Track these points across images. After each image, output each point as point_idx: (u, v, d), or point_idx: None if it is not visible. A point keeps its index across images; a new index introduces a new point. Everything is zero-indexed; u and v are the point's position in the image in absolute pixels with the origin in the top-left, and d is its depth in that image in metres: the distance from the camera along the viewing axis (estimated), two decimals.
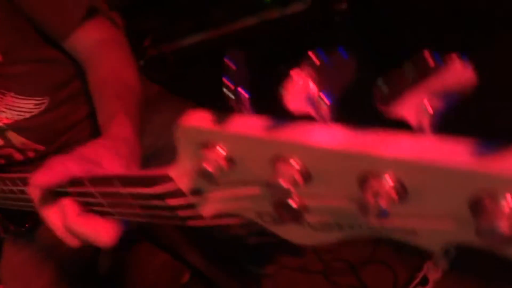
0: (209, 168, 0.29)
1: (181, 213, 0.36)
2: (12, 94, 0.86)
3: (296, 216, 0.28)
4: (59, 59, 0.88)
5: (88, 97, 0.95)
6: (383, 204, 0.23)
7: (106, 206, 0.44)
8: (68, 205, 0.45)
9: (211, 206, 0.34)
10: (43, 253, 0.99)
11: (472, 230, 0.21)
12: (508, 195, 0.19)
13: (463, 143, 0.21)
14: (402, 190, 0.23)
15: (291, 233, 0.32)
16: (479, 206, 0.20)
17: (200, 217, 0.35)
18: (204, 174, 0.30)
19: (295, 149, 0.25)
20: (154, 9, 1.35)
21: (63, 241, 0.49)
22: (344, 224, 0.28)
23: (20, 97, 0.86)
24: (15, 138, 0.90)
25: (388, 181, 0.22)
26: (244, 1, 1.23)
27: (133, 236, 1.20)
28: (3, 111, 0.86)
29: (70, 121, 0.93)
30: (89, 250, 1.08)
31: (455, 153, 0.20)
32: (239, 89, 0.27)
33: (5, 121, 0.88)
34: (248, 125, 0.27)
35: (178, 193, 0.34)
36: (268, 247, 1.60)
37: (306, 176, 0.26)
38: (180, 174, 0.33)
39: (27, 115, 0.88)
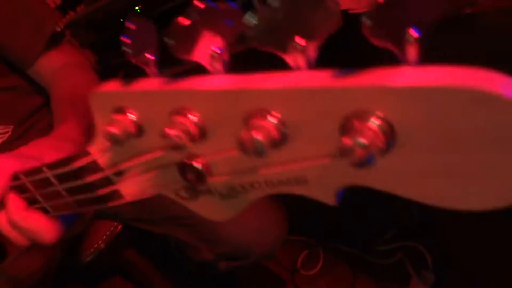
0: (119, 132, 0.30)
1: (101, 191, 0.36)
2: None
3: (202, 178, 0.29)
4: (24, 88, 0.89)
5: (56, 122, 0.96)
6: (266, 142, 0.23)
7: (42, 202, 0.43)
8: (12, 199, 0.44)
9: (131, 185, 0.35)
10: (10, 285, 0.97)
11: (346, 161, 0.22)
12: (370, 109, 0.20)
13: (326, 71, 0.22)
14: (282, 128, 0.23)
15: (206, 207, 0.32)
16: (346, 127, 0.21)
17: (120, 196, 0.36)
18: (115, 141, 0.31)
19: (187, 97, 0.26)
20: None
21: (11, 240, 0.48)
22: (245, 182, 0.28)
23: None
24: None
25: (272, 117, 0.23)
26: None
27: (104, 269, 1.17)
28: None
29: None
30: (60, 286, 1.06)
31: (321, 77, 0.22)
32: (144, 53, 0.29)
33: None
34: (149, 83, 0.28)
35: (95, 168, 0.34)
36: (245, 281, 1.57)
37: (202, 127, 0.27)
38: (96, 148, 0.34)
39: (4, 138, 0.88)
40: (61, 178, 0.38)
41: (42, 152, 0.49)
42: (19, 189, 0.44)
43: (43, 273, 1.01)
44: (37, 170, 0.40)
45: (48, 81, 0.84)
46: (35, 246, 0.48)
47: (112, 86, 0.31)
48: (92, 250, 1.06)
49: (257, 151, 0.23)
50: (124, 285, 1.27)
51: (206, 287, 1.45)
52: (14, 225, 0.45)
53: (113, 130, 0.30)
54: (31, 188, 0.43)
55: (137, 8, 1.21)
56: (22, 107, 0.90)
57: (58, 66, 0.84)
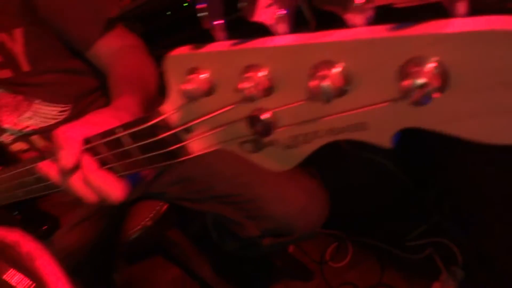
0: (192, 91, 0.34)
1: (170, 148, 0.40)
2: (39, 101, 0.93)
3: (269, 130, 0.33)
4: (83, 70, 0.96)
5: (107, 105, 1.03)
6: (332, 89, 0.27)
7: (112, 163, 0.48)
8: (86, 160, 0.49)
9: (199, 141, 0.39)
10: (62, 255, 1.03)
11: (406, 103, 0.25)
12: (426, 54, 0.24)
13: (383, 25, 0.26)
14: (348, 77, 0.27)
15: (268, 159, 0.36)
16: (404, 72, 0.24)
17: (187, 152, 0.40)
18: (188, 99, 0.36)
19: (257, 55, 0.30)
20: (169, 35, 1.42)
21: (83, 198, 0.53)
22: (309, 131, 0.32)
23: (45, 104, 0.93)
24: (39, 141, 0.96)
25: (335, 68, 0.27)
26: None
27: (148, 248, 1.23)
28: (30, 118, 0.93)
29: None
30: (105, 261, 1.12)
31: (379, 30, 0.25)
32: (215, 19, 0.33)
33: (32, 127, 0.94)
34: (220, 45, 0.33)
35: (166, 126, 0.39)
36: (276, 270, 1.61)
37: (271, 82, 0.31)
38: (168, 107, 0.39)
39: (52, 122, 0.95)
40: (133, 137, 0.43)
41: (105, 119, 0.54)
42: (91, 152, 0.50)
43: (92, 248, 1.07)
44: (110, 132, 0.45)
45: (106, 62, 0.90)
46: (103, 204, 0.53)
47: (186, 50, 0.35)
48: (139, 227, 1.12)
49: (325, 98, 0.27)
50: (165, 265, 1.33)
51: (243, 271, 1.49)
52: (87, 184, 0.50)
53: (188, 87, 0.34)
54: (103, 150, 0.48)
55: (185, 4, 1.27)
56: (80, 88, 0.98)
57: (115, 48, 0.89)
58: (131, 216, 1.16)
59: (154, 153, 0.42)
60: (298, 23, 0.30)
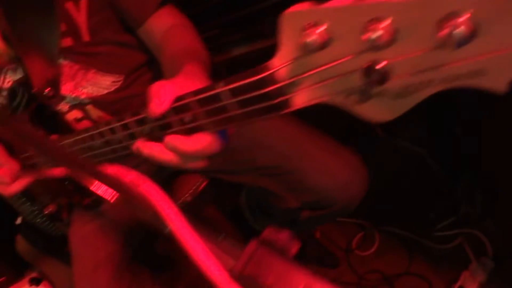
0: (309, 45, 0.37)
1: (273, 102, 0.43)
2: (94, 71, 0.97)
3: (382, 77, 0.36)
4: (134, 45, 1.00)
5: (154, 79, 1.07)
6: (461, 36, 0.30)
7: (202, 118, 0.52)
8: (172, 137, 0.53)
9: (304, 94, 0.42)
10: (110, 226, 1.07)
11: None
12: None
13: None
14: (473, 24, 0.30)
15: (373, 109, 0.39)
16: None
17: (290, 105, 0.43)
18: (304, 52, 0.39)
19: (381, 8, 0.33)
20: (208, 22, 1.46)
21: (189, 167, 0.57)
22: (424, 80, 0.35)
23: (100, 74, 0.97)
24: (93, 111, 1.01)
25: (463, 17, 0.30)
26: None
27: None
28: (85, 86, 0.97)
29: (139, 100, 1.04)
30: (150, 231, 1.16)
31: None
32: None
33: (86, 95, 0.99)
34: (339, 1, 0.36)
35: (272, 80, 0.42)
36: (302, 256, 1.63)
37: (392, 34, 0.34)
38: (277, 62, 0.42)
39: (105, 91, 0.99)
40: (234, 92, 0.46)
41: (185, 82, 0.57)
42: (181, 109, 0.53)
43: (137, 221, 1.11)
44: (210, 87, 0.48)
45: (158, 39, 0.93)
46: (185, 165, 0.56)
47: (306, 6, 0.38)
48: (179, 202, 1.16)
49: (454, 45, 0.30)
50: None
51: None
52: (184, 155, 0.54)
53: (306, 40, 0.37)
54: (195, 107, 0.51)
55: None
56: (131, 61, 1.02)
57: (167, 26, 0.93)
58: (172, 190, 1.20)
59: (255, 107, 0.45)
60: None
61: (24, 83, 0.91)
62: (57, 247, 1.58)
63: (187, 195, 1.16)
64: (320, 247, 1.72)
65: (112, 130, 0.66)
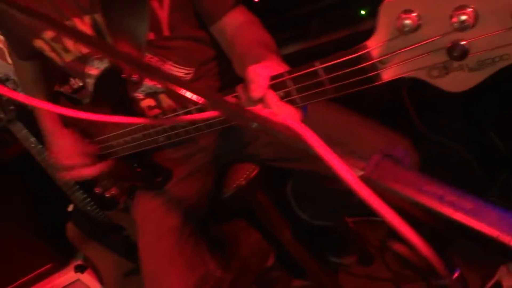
0: (404, 27, 0.47)
1: (365, 76, 0.54)
2: (170, 63, 1.08)
3: (464, 53, 0.46)
4: (206, 40, 1.11)
5: (220, 74, 1.18)
6: None
7: (294, 94, 0.62)
8: (270, 93, 0.63)
9: (392, 69, 0.52)
10: (172, 203, 1.19)
11: None
12: None
13: None
14: None
15: (451, 82, 0.49)
16: None
17: (379, 79, 0.53)
18: (399, 33, 0.49)
19: None
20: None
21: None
22: (497, 55, 0.44)
23: (175, 66, 1.09)
24: (165, 100, 1.12)
25: None
26: (341, 14, 1.45)
27: (238, 207, 1.36)
28: None
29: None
30: (205, 214, 1.27)
31: None
32: None
33: (161, 85, 1.10)
34: None
35: (367, 57, 0.52)
36: (348, 241, 1.70)
37: (475, 17, 0.43)
38: (374, 42, 0.52)
39: None
40: (333, 68, 0.56)
41: (274, 65, 0.68)
42: (275, 88, 0.64)
43: (196, 200, 1.22)
44: (307, 66, 0.59)
45: (229, 35, 1.03)
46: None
47: None
48: (234, 185, 1.26)
49: None
50: (247, 228, 1.47)
51: (318, 241, 1.60)
52: (273, 111, 0.64)
53: (402, 22, 0.47)
54: (289, 84, 0.62)
55: None
56: (203, 55, 1.13)
57: (239, 23, 1.03)
58: (227, 176, 1.31)
59: (348, 81, 0.55)
60: None
61: (112, 70, 1.03)
62: (104, 234, 1.70)
63: (241, 179, 1.27)
64: (355, 244, 1.78)
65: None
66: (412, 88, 1.47)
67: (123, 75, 1.00)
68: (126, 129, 1.04)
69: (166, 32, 1.04)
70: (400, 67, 0.51)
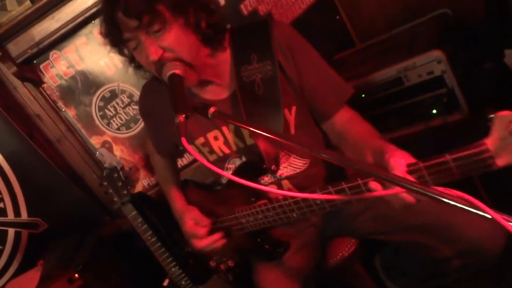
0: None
1: (487, 163, 0.80)
2: (294, 156, 1.35)
3: None
4: (319, 136, 1.41)
5: (327, 162, 1.43)
6: None
7: (426, 178, 0.88)
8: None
9: (505, 157, 0.78)
10: (290, 272, 1.40)
11: None
12: None
13: None
14: None
15: None
16: None
17: (496, 165, 0.79)
18: (507, 135, 0.75)
19: None
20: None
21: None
22: None
23: (297, 158, 1.35)
24: (286, 185, 1.38)
25: None
26: (415, 113, 1.75)
27: (339, 276, 1.54)
28: (285, 167, 1.37)
29: (317, 178, 1.42)
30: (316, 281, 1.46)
31: None
32: None
33: (285, 174, 1.36)
34: None
35: (488, 150, 0.78)
36: None
37: None
38: (491, 141, 0.78)
39: (297, 171, 1.37)
40: (457, 159, 0.82)
41: (402, 154, 0.94)
42: (411, 172, 0.89)
43: (310, 269, 1.43)
44: (439, 157, 0.85)
45: (340, 129, 1.29)
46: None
47: (509, 112, 0.76)
48: (337, 257, 1.48)
49: None
50: None
51: None
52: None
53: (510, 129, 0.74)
54: (423, 170, 0.88)
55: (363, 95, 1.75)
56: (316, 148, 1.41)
57: (346, 119, 1.29)
58: (329, 248, 1.52)
59: (471, 168, 0.82)
60: None
61: (252, 162, 1.33)
62: None
63: (344, 251, 1.48)
64: None
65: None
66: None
67: (264, 165, 1.29)
68: (260, 209, 1.29)
69: (292, 131, 1.33)
70: (510, 155, 0.77)
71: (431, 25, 1.97)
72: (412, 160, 0.91)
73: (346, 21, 2.37)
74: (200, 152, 1.43)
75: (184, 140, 0.95)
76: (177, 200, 1.58)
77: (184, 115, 0.97)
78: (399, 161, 0.91)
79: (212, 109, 1.00)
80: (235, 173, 1.38)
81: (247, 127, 0.95)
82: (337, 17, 2.39)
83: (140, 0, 1.09)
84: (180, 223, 1.53)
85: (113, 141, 2.49)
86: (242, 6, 2.30)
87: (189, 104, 1.02)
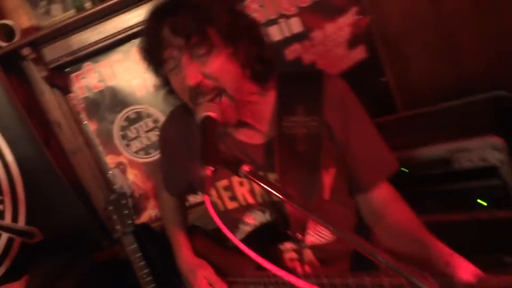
0: None
1: None
2: None
3: None
4: (352, 207, 1.27)
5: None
6: None
7: None
8: None
9: None
10: None
11: None
12: None
13: None
14: None
15: None
16: None
17: None
18: None
19: None
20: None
21: None
22: None
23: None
24: (307, 256, 1.23)
25: None
26: (458, 200, 1.59)
27: None
28: (311, 235, 1.23)
29: (344, 253, 1.27)
30: None
31: None
32: None
33: (309, 242, 1.21)
34: None
35: None
36: None
37: None
38: None
39: (323, 241, 1.22)
40: None
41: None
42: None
43: None
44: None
45: (374, 206, 1.17)
46: None
47: None
48: None
49: None
50: None
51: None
52: None
53: None
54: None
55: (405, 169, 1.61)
56: (347, 220, 1.27)
57: (384, 197, 1.17)
58: None
59: None
60: None
61: (277, 224, 1.19)
62: None
63: None
64: None
65: None
66: None
67: (288, 231, 1.15)
68: (275, 279, 1.14)
69: (326, 196, 1.19)
70: None
71: (485, 105, 1.83)
72: (478, 272, 0.77)
73: (392, 85, 2.24)
74: (219, 197, 1.29)
75: (207, 199, 0.82)
76: (184, 249, 1.43)
77: (213, 169, 0.85)
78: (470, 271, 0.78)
79: (245, 168, 0.88)
80: (255, 232, 1.23)
81: (278, 195, 0.85)
82: (383, 79, 2.27)
83: (191, 19, 1.00)
84: (188, 276, 1.38)
85: (129, 163, 2.39)
86: (287, 52, 2.22)
87: (220, 156, 0.91)
